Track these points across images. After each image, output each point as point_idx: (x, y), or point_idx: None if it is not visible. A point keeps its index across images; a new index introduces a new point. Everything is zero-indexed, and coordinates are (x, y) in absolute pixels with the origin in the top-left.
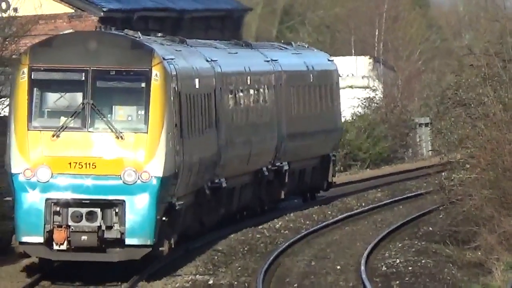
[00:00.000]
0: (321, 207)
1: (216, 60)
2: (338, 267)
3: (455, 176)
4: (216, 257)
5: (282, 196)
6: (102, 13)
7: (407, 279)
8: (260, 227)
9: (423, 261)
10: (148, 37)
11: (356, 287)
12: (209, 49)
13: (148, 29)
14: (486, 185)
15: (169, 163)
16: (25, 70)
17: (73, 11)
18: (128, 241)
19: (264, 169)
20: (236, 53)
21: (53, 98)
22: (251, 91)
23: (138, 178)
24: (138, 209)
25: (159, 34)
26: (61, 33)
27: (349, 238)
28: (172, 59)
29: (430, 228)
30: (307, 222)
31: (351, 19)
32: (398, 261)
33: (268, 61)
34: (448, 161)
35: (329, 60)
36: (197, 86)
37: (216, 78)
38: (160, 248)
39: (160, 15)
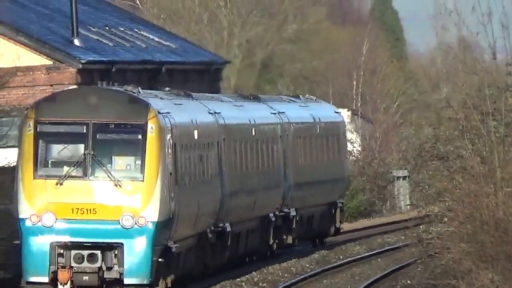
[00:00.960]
0: (299, 260)
1: (219, 113)
2: None
3: (433, 229)
4: None
5: (290, 241)
6: (80, 65)
7: None
8: (238, 279)
9: None
10: (149, 91)
11: None
12: (214, 102)
13: (126, 81)
14: (464, 238)
15: (164, 209)
16: (31, 123)
17: (51, 63)
18: (126, 280)
19: (271, 215)
20: (242, 106)
21: (57, 149)
22: (256, 142)
23: (135, 223)
24: (136, 251)
25: (167, 89)
26: (65, 89)
27: None
28: (168, 112)
29: (408, 281)
30: (285, 275)
31: (329, 72)
32: None
33: (274, 113)
34: (426, 214)
35: (335, 112)
36: (196, 137)
37: (219, 130)
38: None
39: (138, 67)
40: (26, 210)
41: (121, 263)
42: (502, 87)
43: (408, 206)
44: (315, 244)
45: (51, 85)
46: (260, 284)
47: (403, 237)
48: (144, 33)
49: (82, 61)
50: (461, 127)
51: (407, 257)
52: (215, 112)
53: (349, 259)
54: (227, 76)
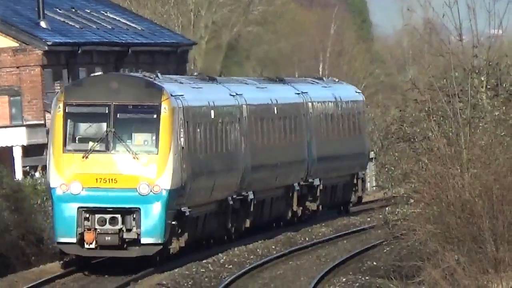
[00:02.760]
0: (265, 242)
1: (241, 94)
2: None
3: (399, 211)
4: None
5: (314, 208)
6: (46, 47)
7: None
8: (204, 261)
9: None
10: (170, 76)
11: None
12: (238, 84)
13: (92, 63)
14: (430, 220)
15: (176, 178)
16: (61, 105)
17: (17, 45)
18: (143, 240)
19: (296, 185)
20: (265, 87)
21: (83, 127)
22: (279, 120)
23: (151, 191)
24: (151, 215)
25: (196, 73)
26: (91, 75)
27: (293, 272)
28: (181, 95)
29: (374, 263)
30: (251, 257)
31: (295, 54)
32: None
33: (298, 93)
34: (392, 196)
35: (356, 92)
36: (212, 117)
37: (240, 109)
38: (170, 246)
39: (104, 49)
40: (57, 180)
41: (138, 225)
42: (468, 69)
43: (374, 188)
44: (340, 211)
45: (18, 67)
46: (226, 265)
47: (369, 219)
48: (111, 15)
49: (49, 43)
50: (427, 108)
51: (373, 238)
52: (237, 94)
53: (314, 240)
54: (194, 57)
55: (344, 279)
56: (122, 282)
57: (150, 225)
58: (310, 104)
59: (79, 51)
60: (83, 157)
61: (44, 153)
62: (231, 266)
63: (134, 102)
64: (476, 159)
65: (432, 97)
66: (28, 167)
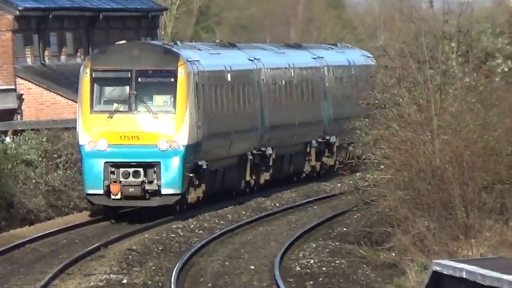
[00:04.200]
0: (236, 208)
1: (259, 59)
2: (252, 267)
3: (369, 177)
4: (130, 257)
5: (332, 163)
6: (17, 12)
7: (321, 279)
8: (174, 226)
9: (337, 262)
10: (189, 43)
11: (269, 287)
12: (257, 50)
13: (63, 28)
14: (401, 186)
15: (192, 135)
16: (88, 71)
17: None
18: (163, 191)
19: (314, 141)
20: (284, 52)
21: (108, 90)
22: (296, 83)
23: (169, 146)
24: (170, 168)
25: (217, 40)
26: (115, 43)
27: (263, 238)
28: (197, 60)
29: (344, 229)
30: (221, 222)
31: (266, 20)
32: (312, 261)
33: (315, 58)
34: (362, 161)
35: (368, 57)
36: (229, 80)
37: (258, 73)
38: (188, 196)
39: (75, 14)
40: (85, 138)
41: (159, 178)
42: (439, 35)
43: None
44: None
45: None
46: (197, 231)
47: (339, 185)
48: None
49: (19, 8)
50: (397, 75)
51: (343, 204)
52: (255, 58)
53: (285, 206)
54: (164, 22)
55: (314, 245)
56: (92, 247)
57: (170, 177)
58: (326, 68)
59: (50, 16)
60: (108, 117)
61: (15, 118)
62: (201, 231)
63: (153, 68)
64: (446, 125)
65: (403, 63)
66: None
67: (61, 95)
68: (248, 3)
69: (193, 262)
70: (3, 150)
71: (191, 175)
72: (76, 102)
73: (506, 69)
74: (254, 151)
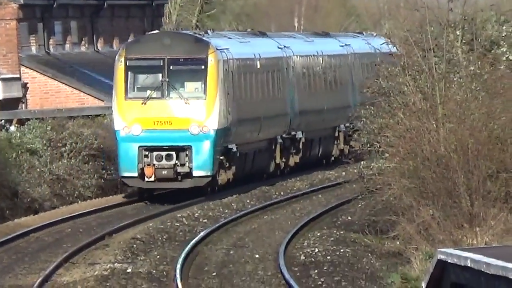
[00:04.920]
0: (240, 196)
1: (288, 47)
2: (257, 256)
3: (374, 165)
4: (134, 246)
5: (357, 148)
6: (22, 1)
7: (325, 268)
8: (179, 215)
9: (341, 251)
10: (220, 32)
11: (274, 276)
12: (286, 38)
13: (68, 16)
14: (405, 174)
15: (222, 120)
16: (122, 59)
17: None
18: (195, 173)
19: (342, 126)
20: (312, 40)
21: (141, 78)
22: (324, 69)
23: (201, 131)
24: (201, 151)
25: (249, 30)
26: (148, 33)
27: (267, 227)
28: (226, 48)
29: (349, 218)
30: (226, 211)
31: (271, 8)
32: (316, 250)
33: (342, 45)
34: (367, 149)
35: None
36: (258, 67)
37: (287, 60)
38: (218, 178)
39: (79, 3)
40: (120, 123)
41: (190, 160)
42: (444, 24)
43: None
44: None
45: None
46: (201, 220)
47: (344, 173)
48: None
49: None
50: (402, 63)
51: (348, 193)
52: (285, 46)
53: (290, 195)
54: (169, 11)
55: (318, 234)
56: (97, 236)
57: (201, 160)
58: (352, 55)
59: (54, 5)
60: (142, 103)
61: (19, 107)
62: (205, 220)
63: (184, 56)
64: (451, 114)
65: (408, 51)
66: (3, 120)
67: (65, 84)
68: None
69: (198, 251)
70: (8, 139)
71: (221, 158)
72: (80, 91)
73: (511, 57)
74: (284, 135)
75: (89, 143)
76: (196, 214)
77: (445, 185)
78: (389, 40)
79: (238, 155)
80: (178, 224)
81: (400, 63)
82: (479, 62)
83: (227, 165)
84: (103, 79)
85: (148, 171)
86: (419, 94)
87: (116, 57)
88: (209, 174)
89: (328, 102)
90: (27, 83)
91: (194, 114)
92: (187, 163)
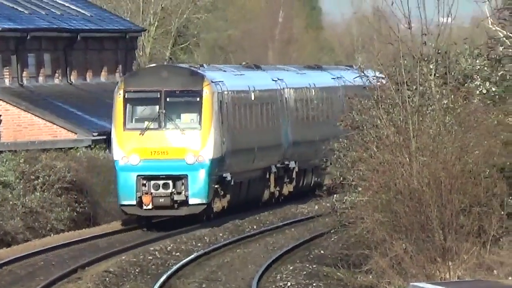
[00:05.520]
0: (213, 229)
1: (282, 79)
2: None
3: (347, 199)
4: (107, 279)
5: None
6: None
7: None
8: (151, 248)
9: (314, 285)
10: (215, 65)
11: None
12: (280, 71)
13: (41, 49)
14: (378, 208)
15: (216, 149)
16: (121, 91)
17: None
18: (191, 201)
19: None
20: (305, 73)
21: (139, 110)
22: (316, 101)
23: (196, 160)
24: (197, 180)
25: (244, 63)
26: (146, 67)
27: (240, 260)
28: (221, 81)
29: (322, 251)
30: (199, 244)
31: (244, 41)
32: (289, 284)
33: (334, 78)
34: (340, 183)
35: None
36: (252, 98)
37: (281, 92)
38: (213, 206)
39: (53, 35)
40: (119, 153)
41: (186, 189)
42: (417, 57)
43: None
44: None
45: None
46: (174, 253)
47: (316, 207)
48: (60, 1)
49: None
50: (376, 96)
51: (320, 227)
52: (279, 79)
53: (262, 228)
54: (143, 44)
55: (291, 268)
56: (69, 269)
57: (196, 188)
58: (344, 87)
59: (28, 37)
60: (140, 134)
61: None
62: (178, 253)
63: (180, 88)
64: (424, 147)
65: (381, 85)
66: None
67: (39, 116)
68: (226, 24)
69: (170, 285)
70: None
71: (216, 186)
72: (53, 124)
73: (484, 91)
74: (278, 165)
75: (62, 176)
76: (169, 248)
77: (418, 219)
78: (363, 74)
79: (232, 183)
80: (151, 257)
81: (373, 97)
82: (453, 96)
83: (222, 193)
84: (76, 111)
85: (146, 199)
86: (392, 128)
87: (115, 89)
88: (204, 202)
89: (320, 133)
90: (0, 115)
91: (190, 144)
92: (183, 191)
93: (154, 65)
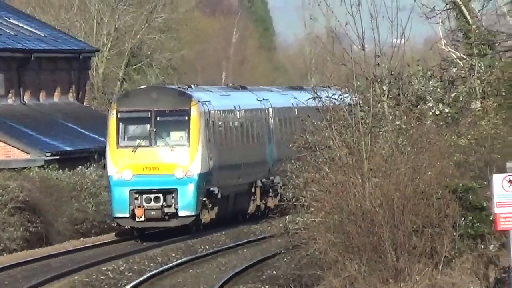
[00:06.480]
0: (165, 249)
1: (267, 99)
2: None
3: (299, 220)
4: None
5: None
6: None
7: None
8: (104, 268)
9: None
10: (203, 86)
11: None
12: (264, 92)
13: None
14: (331, 229)
15: (204, 165)
16: (114, 112)
17: None
18: (180, 213)
19: None
20: (288, 93)
21: (131, 128)
22: (299, 119)
23: (185, 175)
24: (186, 193)
25: (230, 84)
26: (137, 88)
27: (193, 281)
28: (208, 101)
29: (274, 272)
30: (151, 265)
31: (198, 61)
32: None
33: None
34: (293, 204)
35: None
36: (238, 117)
37: (266, 111)
38: (201, 218)
39: (6, 55)
40: (112, 169)
41: (176, 202)
42: (370, 78)
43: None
44: None
45: None
46: (126, 273)
47: (269, 227)
48: (13, 21)
49: None
50: (328, 117)
51: (273, 247)
52: (264, 99)
53: (215, 249)
54: (96, 64)
55: None
56: None
57: (186, 201)
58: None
59: None
60: (132, 151)
61: None
62: (130, 274)
63: (170, 108)
64: (377, 168)
65: (334, 106)
66: None
67: None
68: (180, 45)
69: None
70: None
71: (204, 199)
72: (6, 143)
73: (437, 112)
74: (264, 180)
75: (15, 195)
76: (121, 267)
77: (371, 240)
78: (316, 95)
79: (220, 196)
80: (103, 277)
81: (326, 118)
82: (406, 117)
83: (210, 206)
84: (29, 131)
85: (138, 212)
86: (345, 149)
87: (109, 109)
88: (193, 214)
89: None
90: None
91: (179, 160)
92: (173, 204)
93: (144, 86)
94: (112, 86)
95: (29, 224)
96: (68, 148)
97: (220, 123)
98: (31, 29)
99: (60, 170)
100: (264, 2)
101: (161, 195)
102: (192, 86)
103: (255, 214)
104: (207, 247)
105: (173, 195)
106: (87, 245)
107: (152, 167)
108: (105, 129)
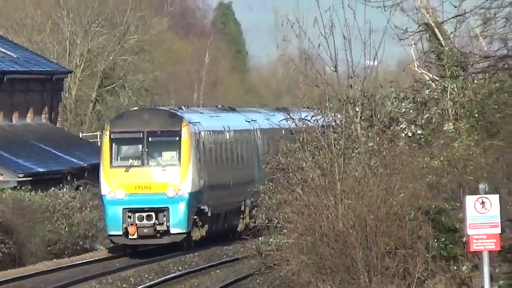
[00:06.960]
0: (138, 270)
1: (255, 120)
2: None
3: (272, 241)
4: None
5: None
6: None
7: None
8: None
9: None
10: (193, 108)
11: None
12: (252, 113)
13: None
14: (304, 250)
15: (195, 184)
16: (107, 133)
17: None
18: (172, 231)
19: None
20: (274, 115)
21: (124, 149)
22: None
23: (176, 194)
24: (177, 212)
25: (219, 106)
26: (129, 110)
27: None
28: (198, 122)
29: None
30: (124, 286)
31: (171, 83)
32: None
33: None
34: (265, 225)
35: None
36: (227, 138)
37: (255, 132)
38: (192, 235)
39: None
40: (106, 188)
41: (168, 220)
42: (343, 100)
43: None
44: None
45: None
46: None
47: (242, 249)
48: None
49: None
50: (301, 139)
51: (246, 268)
52: (252, 120)
53: (188, 270)
54: (69, 85)
55: None
56: None
57: (177, 219)
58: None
59: None
60: (125, 171)
61: None
62: None
63: (161, 129)
64: (350, 190)
65: (307, 127)
66: None
67: None
68: (153, 66)
69: None
70: None
71: (195, 217)
72: None
73: (410, 134)
74: (252, 199)
75: None
76: None
77: (344, 261)
78: (289, 116)
79: (210, 215)
80: None
81: (299, 139)
82: (378, 138)
83: (201, 223)
84: (2, 153)
85: (131, 229)
86: (317, 170)
87: (102, 131)
88: (184, 231)
89: None
90: None
91: (170, 179)
92: (165, 222)
93: (136, 108)
94: (84, 108)
95: (2, 245)
96: (41, 169)
97: (210, 143)
98: (4, 51)
99: (33, 191)
100: (237, 24)
101: (153, 213)
102: (183, 107)
103: (244, 232)
104: (180, 268)
105: (165, 213)
106: (60, 266)
107: (144, 186)
108: (77, 151)
